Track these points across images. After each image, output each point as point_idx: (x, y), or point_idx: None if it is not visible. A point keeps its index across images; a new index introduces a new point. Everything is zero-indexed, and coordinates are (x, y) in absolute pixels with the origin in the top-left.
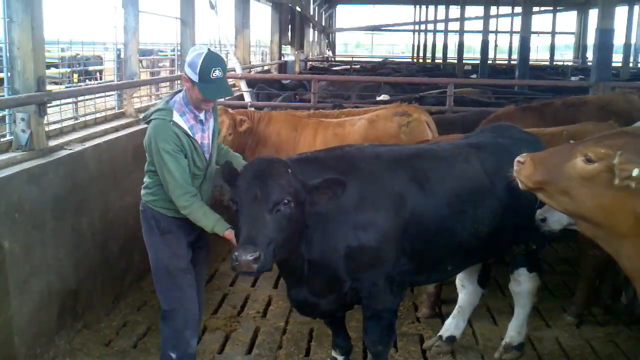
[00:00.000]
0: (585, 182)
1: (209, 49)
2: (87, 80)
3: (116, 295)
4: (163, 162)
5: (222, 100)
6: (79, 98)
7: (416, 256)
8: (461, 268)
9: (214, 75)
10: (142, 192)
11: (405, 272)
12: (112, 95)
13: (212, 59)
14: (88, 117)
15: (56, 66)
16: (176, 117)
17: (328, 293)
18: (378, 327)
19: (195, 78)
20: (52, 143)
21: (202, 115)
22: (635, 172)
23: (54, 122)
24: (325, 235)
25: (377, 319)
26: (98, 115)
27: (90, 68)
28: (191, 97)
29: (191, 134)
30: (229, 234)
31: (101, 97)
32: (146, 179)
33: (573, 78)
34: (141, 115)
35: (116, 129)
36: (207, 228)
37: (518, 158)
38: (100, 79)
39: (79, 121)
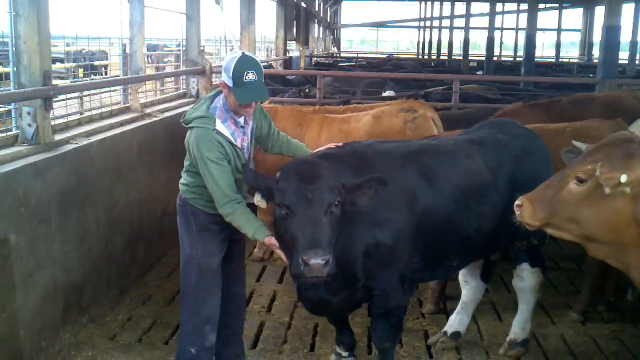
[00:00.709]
0: (584, 203)
1: (243, 53)
2: (92, 75)
3: (121, 289)
4: (208, 171)
5: None
6: (85, 92)
7: (425, 253)
8: (465, 263)
9: (246, 78)
10: (182, 188)
11: (416, 270)
12: (117, 90)
13: (245, 62)
14: (93, 112)
15: (62, 61)
16: (219, 125)
17: (341, 291)
18: (387, 325)
19: (230, 83)
20: (58, 137)
21: (242, 120)
22: (623, 178)
23: (60, 117)
24: (346, 233)
25: (388, 316)
26: (103, 109)
27: (96, 63)
28: (230, 103)
29: (233, 141)
30: (269, 240)
31: (107, 91)
32: (185, 177)
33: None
34: (146, 111)
35: (121, 124)
36: (248, 234)
37: (516, 202)
38: (106, 73)
39: (84, 115)
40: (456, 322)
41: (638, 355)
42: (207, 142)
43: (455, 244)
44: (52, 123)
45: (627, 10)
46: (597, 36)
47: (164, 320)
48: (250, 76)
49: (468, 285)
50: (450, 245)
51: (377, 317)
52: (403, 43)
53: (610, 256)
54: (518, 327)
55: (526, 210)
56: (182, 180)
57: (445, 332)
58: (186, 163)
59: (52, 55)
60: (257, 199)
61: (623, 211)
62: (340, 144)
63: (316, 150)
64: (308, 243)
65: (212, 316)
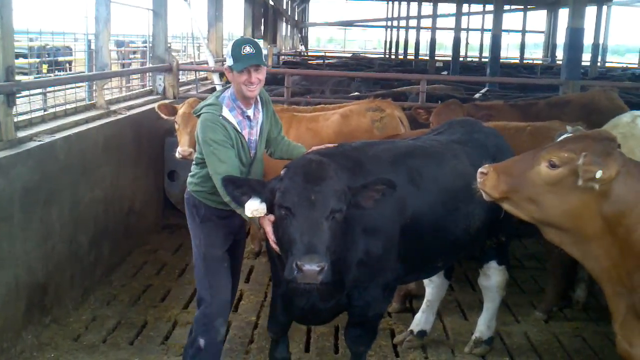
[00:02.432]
0: (551, 188)
1: (242, 37)
2: (56, 71)
3: (85, 289)
4: (211, 152)
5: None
6: (49, 89)
7: (409, 258)
8: (450, 263)
9: (244, 51)
10: (188, 180)
11: (398, 277)
12: (82, 86)
13: (242, 40)
14: (58, 109)
15: (25, 56)
16: (225, 112)
17: (332, 299)
18: (364, 331)
19: (231, 62)
20: (21, 134)
21: (250, 112)
22: (598, 174)
23: (23, 113)
24: (344, 240)
25: (366, 324)
26: (68, 106)
27: (60, 59)
28: (236, 89)
29: (239, 129)
30: (263, 220)
31: (71, 88)
32: (194, 168)
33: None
34: (112, 108)
35: (86, 121)
36: (243, 215)
37: (480, 169)
38: (70, 70)
39: (48, 112)
40: (422, 320)
41: (599, 352)
42: (212, 125)
43: (442, 245)
44: (15, 120)
45: (590, 13)
46: (560, 38)
47: (129, 320)
48: (248, 49)
49: (432, 284)
50: (438, 247)
51: (354, 324)
52: (370, 42)
53: (566, 243)
54: (484, 325)
55: (490, 180)
56: (190, 174)
57: (411, 331)
58: (196, 156)
59: (16, 50)
60: (254, 207)
61: (589, 205)
62: (334, 145)
63: (313, 149)
64: (304, 248)
65: (222, 309)
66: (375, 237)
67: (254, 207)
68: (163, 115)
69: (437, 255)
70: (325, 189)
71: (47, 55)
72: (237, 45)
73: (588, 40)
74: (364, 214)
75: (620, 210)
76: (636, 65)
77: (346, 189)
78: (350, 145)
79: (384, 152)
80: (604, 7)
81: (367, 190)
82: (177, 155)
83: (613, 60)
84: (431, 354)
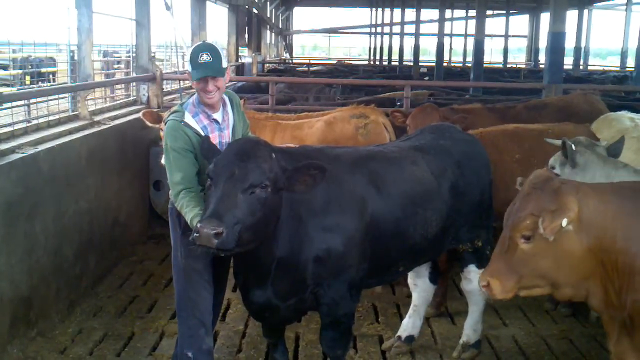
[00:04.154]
0: (539, 256)
1: (203, 42)
2: (39, 82)
3: (71, 301)
4: (169, 160)
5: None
6: (32, 100)
7: (373, 259)
8: (411, 268)
9: (201, 59)
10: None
11: (363, 277)
12: (65, 97)
13: (201, 47)
14: (41, 120)
15: (6, 68)
16: (187, 118)
17: (291, 297)
18: (337, 333)
19: (189, 68)
20: (4, 146)
21: (217, 115)
22: (564, 223)
23: (6, 125)
24: (296, 235)
25: (337, 324)
26: (51, 117)
27: (43, 70)
28: (198, 94)
29: (203, 134)
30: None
31: (54, 99)
32: None
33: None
34: (95, 118)
35: (70, 132)
36: (189, 222)
37: (481, 283)
38: (54, 81)
39: (31, 124)
40: (409, 325)
41: (586, 354)
42: (172, 132)
43: (402, 250)
44: None
45: (571, 16)
46: (542, 42)
47: (116, 332)
48: (205, 57)
49: (418, 288)
50: (398, 251)
51: (327, 325)
52: (355, 49)
53: (576, 296)
54: (470, 329)
55: (496, 288)
56: None
57: (399, 337)
58: None
59: None
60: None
61: (573, 248)
62: (296, 146)
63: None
64: (209, 213)
65: (205, 320)
66: (335, 234)
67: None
68: (148, 123)
69: (398, 258)
70: (250, 164)
71: (30, 67)
72: (195, 52)
73: (570, 43)
74: (323, 211)
75: (595, 235)
76: (618, 68)
77: (278, 170)
78: (312, 146)
79: (345, 154)
80: (585, 11)
81: (300, 174)
82: (162, 161)
83: (595, 64)
84: (419, 359)
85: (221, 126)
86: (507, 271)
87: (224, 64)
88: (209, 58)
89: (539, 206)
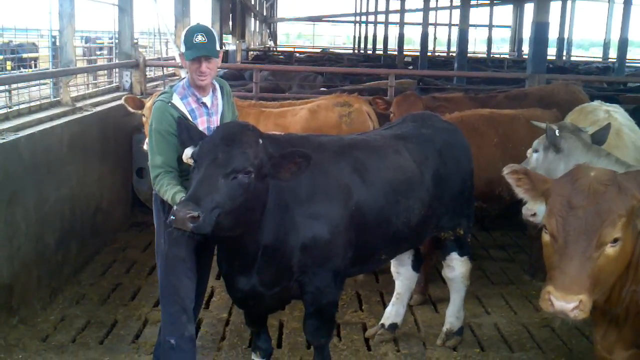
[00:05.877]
0: (619, 259)
1: (198, 23)
2: (21, 68)
3: (53, 289)
4: (151, 142)
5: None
6: (13, 86)
7: (357, 248)
8: (393, 256)
9: (196, 39)
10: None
11: (348, 265)
12: (47, 83)
13: (195, 28)
14: (22, 106)
15: None
16: (175, 100)
17: (275, 285)
18: (321, 321)
19: (183, 49)
20: None
21: (206, 99)
22: None
23: None
24: (282, 223)
25: (321, 312)
26: (32, 103)
27: (24, 55)
28: (190, 76)
29: (191, 118)
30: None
31: (36, 85)
32: None
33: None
34: (77, 105)
35: (51, 118)
36: (170, 201)
37: (572, 305)
38: (35, 66)
39: (12, 110)
40: (392, 313)
41: (567, 342)
42: (158, 114)
43: (384, 238)
44: None
45: (555, 7)
46: (526, 32)
47: (99, 319)
48: (200, 38)
49: (401, 277)
50: (380, 239)
51: (311, 314)
52: (340, 38)
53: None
54: (452, 316)
55: (587, 306)
56: None
57: (382, 325)
58: None
59: None
60: (188, 154)
61: (633, 243)
62: (281, 133)
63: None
64: (187, 196)
65: (187, 307)
66: (321, 222)
67: (188, 155)
68: (130, 108)
69: (380, 247)
70: (234, 149)
71: (10, 52)
72: (190, 32)
73: (554, 34)
74: (309, 199)
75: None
76: (600, 59)
77: (264, 157)
78: (297, 134)
79: (330, 142)
80: (569, 2)
81: (285, 161)
82: (144, 147)
83: (578, 54)
84: (403, 347)
85: (210, 111)
86: (591, 283)
87: (218, 47)
88: (203, 39)
89: (624, 205)
